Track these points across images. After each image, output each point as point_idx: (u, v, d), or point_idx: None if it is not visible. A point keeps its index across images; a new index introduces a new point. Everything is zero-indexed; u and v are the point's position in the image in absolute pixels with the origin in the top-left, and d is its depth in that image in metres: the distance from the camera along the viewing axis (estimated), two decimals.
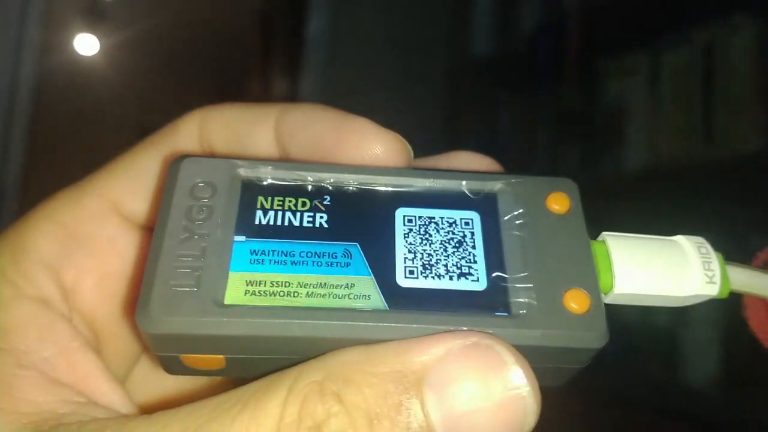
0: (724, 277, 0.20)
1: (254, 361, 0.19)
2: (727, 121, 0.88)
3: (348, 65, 1.29)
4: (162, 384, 0.25)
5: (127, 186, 0.23)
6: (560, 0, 1.16)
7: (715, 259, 0.20)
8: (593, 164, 1.09)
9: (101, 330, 0.22)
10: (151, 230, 0.20)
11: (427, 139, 1.32)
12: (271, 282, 0.18)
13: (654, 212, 0.94)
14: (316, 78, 1.30)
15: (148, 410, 0.21)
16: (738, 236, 0.84)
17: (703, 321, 0.85)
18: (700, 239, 0.21)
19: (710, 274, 0.20)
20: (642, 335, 0.90)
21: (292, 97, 1.37)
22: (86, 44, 1.10)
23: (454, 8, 1.32)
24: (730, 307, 0.81)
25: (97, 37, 1.06)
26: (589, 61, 1.09)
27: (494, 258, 0.19)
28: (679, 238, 0.21)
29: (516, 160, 1.21)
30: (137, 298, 0.18)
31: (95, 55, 1.05)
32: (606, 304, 0.19)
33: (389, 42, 1.27)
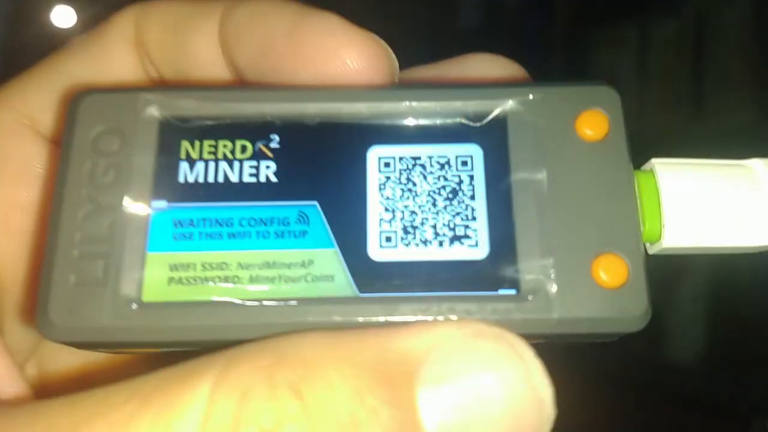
0: None
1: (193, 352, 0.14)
2: (717, 93, 0.87)
3: None
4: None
5: (47, 98, 0.18)
6: None
7: None
8: None
9: (5, 275, 0.18)
10: None
11: None
12: (203, 264, 0.14)
13: None
14: None
15: (59, 381, 0.18)
16: None
17: (689, 296, 0.84)
18: None
19: None
20: None
21: None
22: (63, 16, 1.07)
23: None
24: (717, 279, 0.81)
25: (74, 9, 1.04)
26: (577, 33, 1.08)
27: (500, 212, 0.14)
28: (754, 163, 0.15)
29: None
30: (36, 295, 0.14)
31: (72, 27, 1.02)
32: (650, 256, 0.15)
33: (375, 13, 1.25)
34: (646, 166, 0.16)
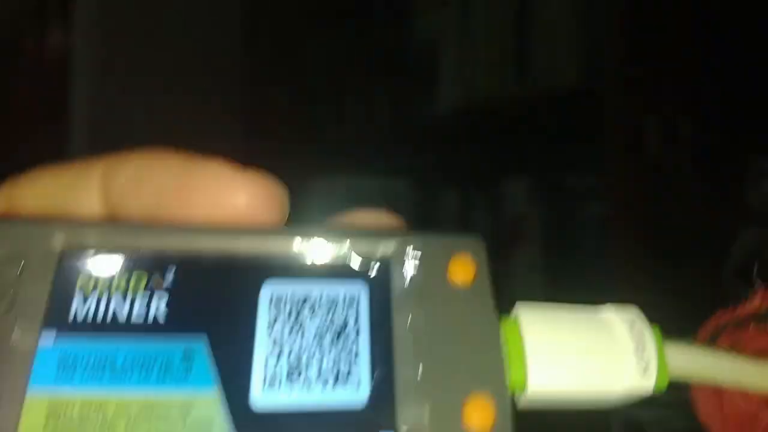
0: (662, 365, 0.16)
1: None
2: (543, 53, 0.87)
3: (128, 10, 1.14)
4: None
5: None
6: None
7: (650, 338, 0.16)
8: (406, 105, 1.06)
9: None
10: None
11: (226, 89, 1.21)
12: (81, 406, 0.14)
13: (471, 151, 0.93)
14: (90, 28, 1.14)
15: None
16: (554, 173, 0.85)
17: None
18: (632, 312, 0.17)
19: (643, 364, 0.16)
20: None
21: (67, 50, 1.21)
22: None
23: None
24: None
25: None
26: None
27: (381, 353, 0.15)
28: (608, 313, 0.17)
29: (326, 110, 1.15)
30: None
31: None
32: (520, 409, 0.16)
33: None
34: (513, 312, 0.17)
